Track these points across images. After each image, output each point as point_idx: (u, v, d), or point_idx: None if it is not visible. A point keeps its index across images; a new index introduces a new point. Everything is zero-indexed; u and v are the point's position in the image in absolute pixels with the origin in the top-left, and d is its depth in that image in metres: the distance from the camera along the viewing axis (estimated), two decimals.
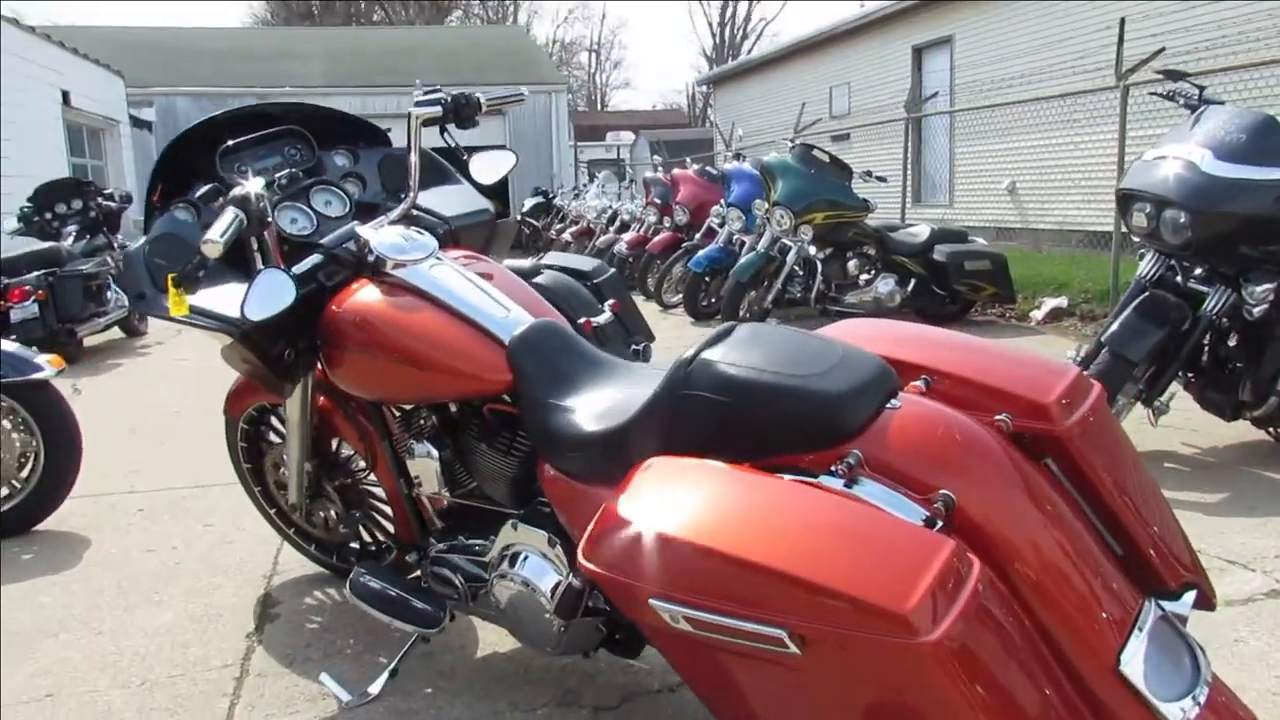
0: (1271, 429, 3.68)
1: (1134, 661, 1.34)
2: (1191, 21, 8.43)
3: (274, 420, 2.62)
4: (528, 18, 39.29)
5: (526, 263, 4.57)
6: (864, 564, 1.21)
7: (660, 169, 11.36)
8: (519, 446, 1.92)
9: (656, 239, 9.35)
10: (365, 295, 2.00)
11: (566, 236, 13.11)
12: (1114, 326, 3.40)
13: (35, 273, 6.58)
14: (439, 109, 2.22)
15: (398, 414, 2.20)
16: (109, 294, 7.16)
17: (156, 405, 5.40)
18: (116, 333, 7.96)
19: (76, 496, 3.49)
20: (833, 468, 1.41)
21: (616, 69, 58.36)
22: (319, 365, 2.13)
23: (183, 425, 4.83)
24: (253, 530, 3.01)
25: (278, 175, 2.20)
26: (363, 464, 2.34)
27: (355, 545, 2.60)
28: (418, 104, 2.22)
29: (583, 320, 4.21)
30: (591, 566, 1.37)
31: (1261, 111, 3.38)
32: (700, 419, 1.51)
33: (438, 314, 1.95)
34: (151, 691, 2.17)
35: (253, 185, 1.93)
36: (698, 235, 8.64)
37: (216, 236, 1.77)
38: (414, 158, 2.23)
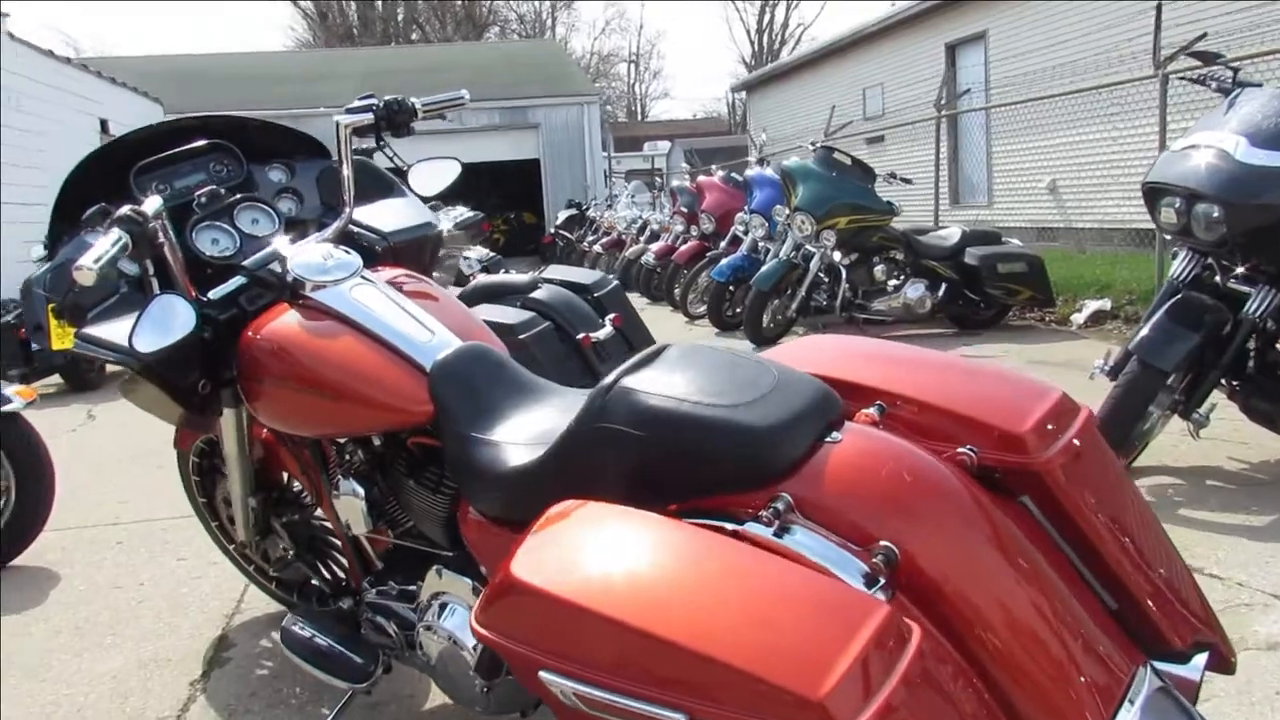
0: None
1: None
2: (1233, 5, 8.04)
3: None
4: (565, 31, 39.42)
5: (525, 277, 4.42)
6: (775, 637, 1.00)
7: (687, 177, 11.17)
8: (447, 484, 1.74)
9: (683, 248, 9.17)
10: (280, 320, 1.84)
11: (597, 248, 13.00)
12: (1144, 332, 3.12)
13: None
14: (370, 116, 2.06)
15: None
16: None
17: (165, 431, 5.31)
18: None
19: (59, 529, 3.40)
20: (761, 513, 1.21)
21: (655, 79, 58.39)
22: None
23: None
24: (224, 565, 2.87)
25: (198, 193, 2.05)
26: (310, 499, 2.19)
27: (315, 583, 2.44)
28: (348, 111, 2.07)
29: (581, 335, 4.05)
30: (483, 631, 1.18)
31: None
32: (616, 456, 1.32)
33: (357, 339, 1.77)
34: None
35: (149, 204, 1.77)
36: (723, 243, 8.44)
37: (89, 262, 1.62)
38: (346, 170, 2.07)
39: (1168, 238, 3.47)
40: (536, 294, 4.25)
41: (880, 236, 6.70)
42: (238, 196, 2.10)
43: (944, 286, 6.57)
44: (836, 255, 6.63)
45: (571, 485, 1.34)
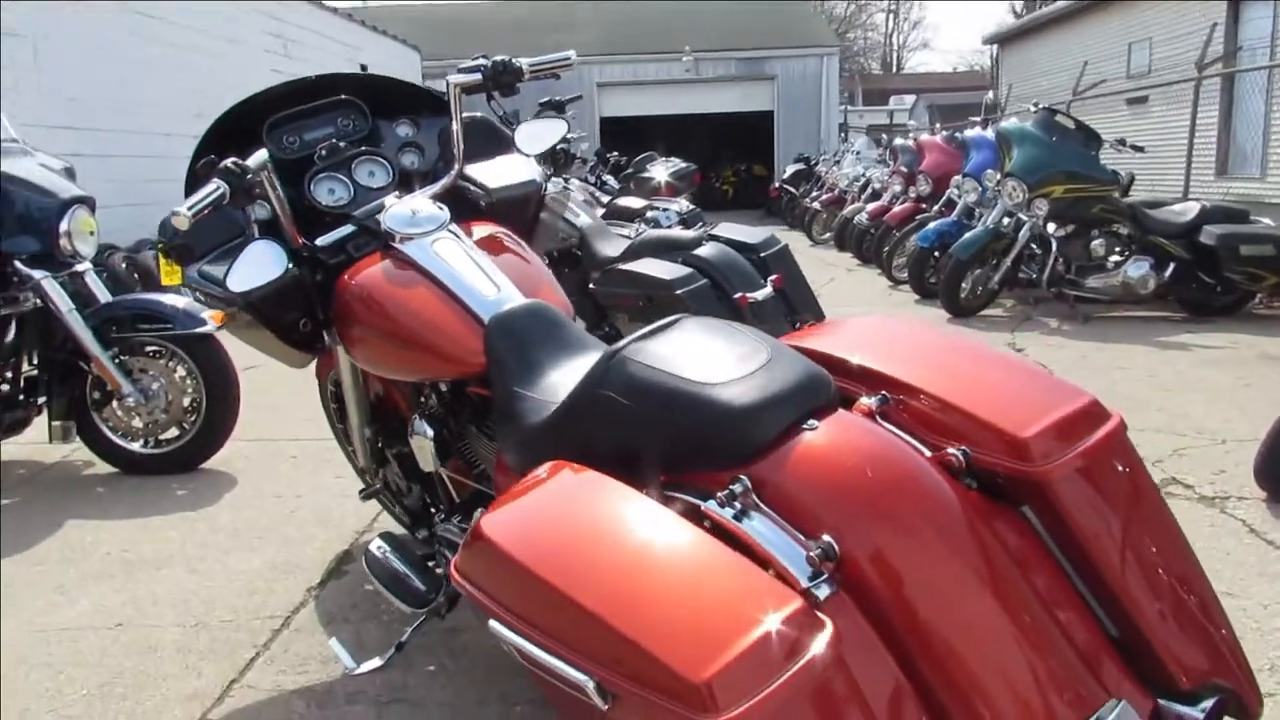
0: None
1: None
2: None
3: None
4: None
5: (690, 233, 4.43)
6: (681, 617, 1.00)
7: (911, 135, 10.68)
8: None
9: (896, 209, 8.83)
10: (368, 268, 1.97)
11: (816, 205, 12.74)
12: None
13: None
14: (479, 76, 2.15)
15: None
16: None
17: None
18: None
19: (254, 439, 3.83)
20: (719, 494, 1.21)
21: (915, 29, 55.57)
22: None
23: None
24: None
25: (319, 147, 2.21)
26: None
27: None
28: (459, 71, 2.16)
29: (739, 295, 4.02)
30: (456, 575, 1.25)
31: None
32: (609, 423, 1.35)
33: (429, 290, 1.88)
34: (198, 633, 2.30)
35: (254, 158, 1.93)
36: (937, 207, 8.05)
37: (184, 209, 1.79)
38: (456, 126, 2.16)
39: None
40: (700, 251, 4.27)
41: (1102, 208, 6.14)
42: (355, 150, 2.25)
43: (1172, 266, 5.95)
44: (1051, 226, 6.16)
45: (572, 447, 1.38)
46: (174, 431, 3.56)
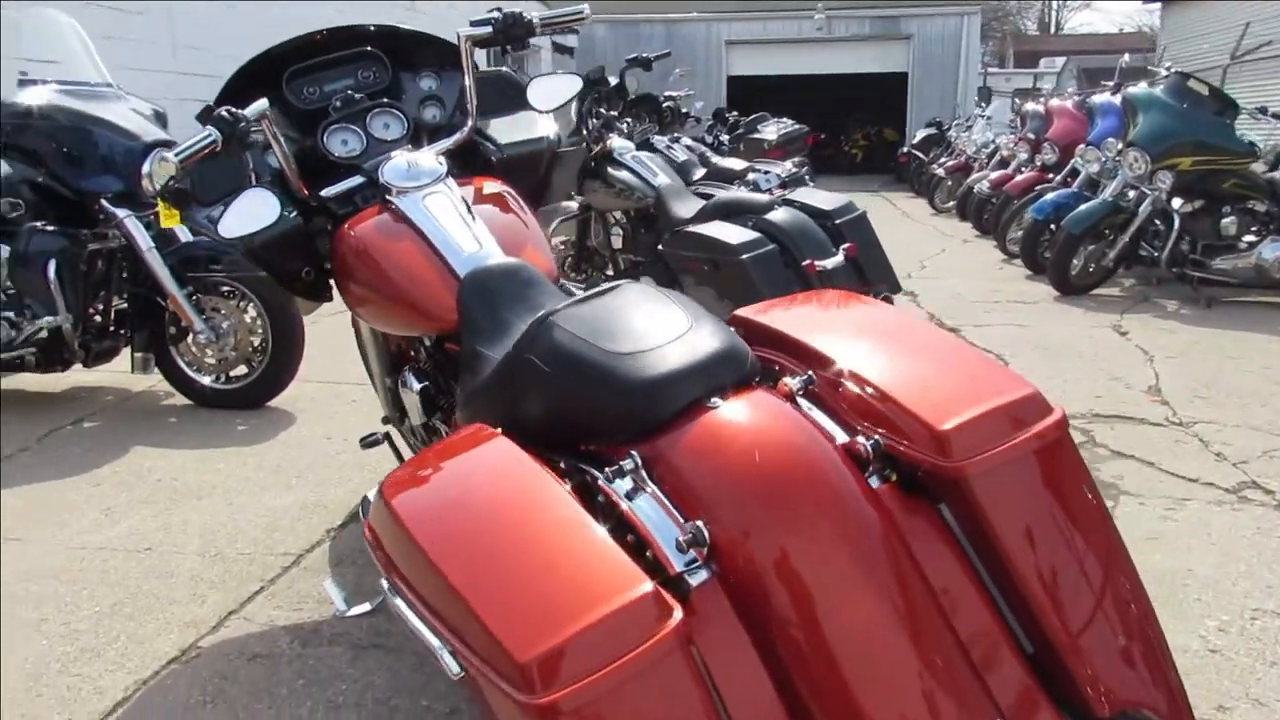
0: None
1: None
2: None
3: None
4: None
5: (763, 197, 4.32)
6: (528, 596, 0.98)
7: (1042, 100, 10.09)
8: None
9: (1018, 178, 8.38)
10: (363, 220, 1.98)
11: (940, 171, 12.23)
12: None
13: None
14: (489, 29, 2.12)
15: None
16: None
17: None
18: None
19: (321, 381, 3.96)
20: (608, 469, 1.17)
21: None
22: None
23: None
24: None
25: (334, 98, 2.22)
26: None
27: None
28: (471, 24, 2.13)
29: (807, 262, 3.90)
30: (367, 533, 1.26)
31: None
32: (530, 389, 1.32)
33: (415, 244, 1.87)
34: (215, 563, 2.41)
35: (252, 108, 1.95)
36: (1059, 176, 7.59)
37: (172, 155, 1.83)
38: (468, 80, 2.14)
39: None
40: (771, 215, 4.15)
41: (1235, 183, 5.64)
42: (370, 102, 2.26)
43: None
44: (1176, 201, 5.71)
45: (502, 411, 1.36)
46: (243, 369, 3.71)
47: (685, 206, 4.56)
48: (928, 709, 1.03)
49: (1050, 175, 8.05)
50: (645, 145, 8.07)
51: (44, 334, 3.50)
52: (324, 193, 2.09)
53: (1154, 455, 3.05)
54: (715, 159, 8.08)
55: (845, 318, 1.43)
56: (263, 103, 2.01)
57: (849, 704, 1.02)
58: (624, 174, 4.82)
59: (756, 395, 1.21)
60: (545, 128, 2.33)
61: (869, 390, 1.21)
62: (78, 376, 4.09)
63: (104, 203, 3.49)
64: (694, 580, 1.07)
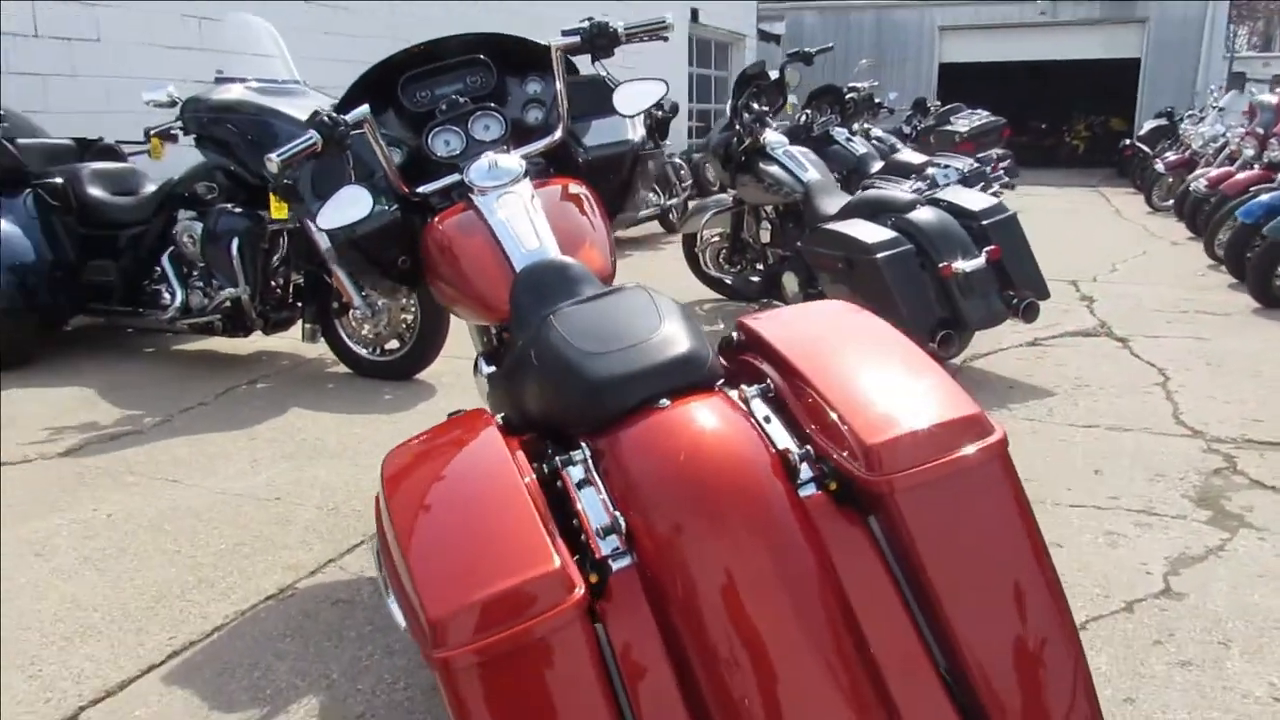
0: None
1: None
2: None
3: None
4: None
5: (906, 195, 4.24)
6: (454, 563, 1.11)
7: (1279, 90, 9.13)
8: None
9: (1238, 176, 7.65)
10: (449, 215, 2.15)
11: (1160, 166, 11.31)
12: None
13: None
14: (577, 39, 2.25)
15: None
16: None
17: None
18: (655, 226, 9.10)
19: (466, 358, 4.26)
20: (559, 459, 1.28)
21: None
22: None
23: None
24: None
25: (440, 103, 2.41)
26: None
27: None
28: (562, 34, 2.27)
29: (943, 264, 3.82)
30: (378, 501, 1.43)
31: None
32: (525, 381, 1.45)
33: (483, 239, 2.03)
34: (329, 516, 2.69)
35: (354, 113, 2.16)
36: None
37: (276, 155, 2.06)
38: (559, 87, 2.28)
39: None
40: (913, 214, 4.08)
41: None
42: (472, 105, 2.44)
43: None
44: None
45: (509, 398, 1.51)
46: (395, 343, 4.05)
47: (831, 203, 4.53)
48: (820, 716, 1.07)
49: (1276, 175, 7.32)
50: (825, 138, 8.03)
51: (228, 303, 3.97)
52: (420, 189, 2.29)
53: None
54: (899, 152, 7.90)
55: (829, 329, 1.45)
56: (364, 108, 2.22)
57: (742, 703, 1.07)
58: (774, 169, 4.84)
59: (707, 399, 1.28)
60: (628, 131, 2.43)
61: (820, 401, 1.25)
62: (264, 342, 4.59)
63: None
64: (615, 565, 1.15)
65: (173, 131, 4.01)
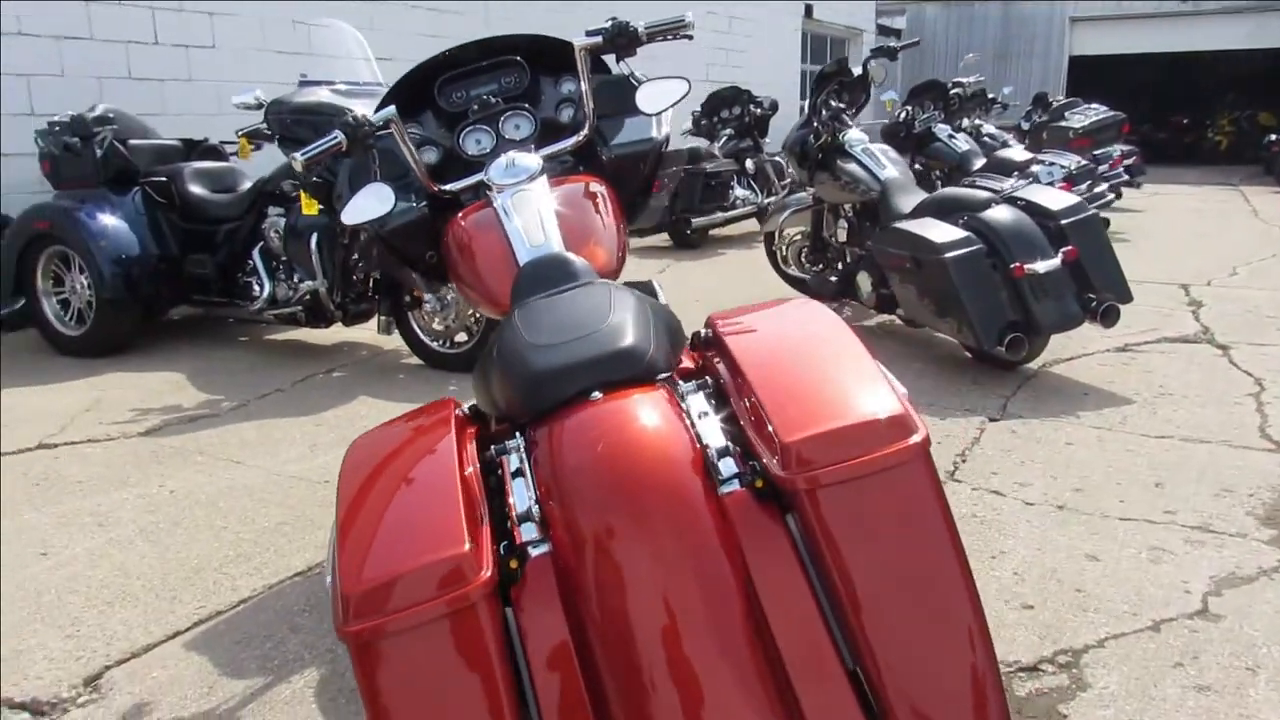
0: None
1: None
2: None
3: None
4: None
5: (982, 194, 4.10)
6: (377, 542, 1.16)
7: None
8: None
9: None
10: (470, 212, 2.21)
11: None
12: None
13: (673, 168, 7.81)
14: (600, 39, 2.27)
15: None
16: (733, 192, 8.12)
17: (695, 286, 6.13)
18: (753, 224, 9.04)
19: None
20: (494, 447, 1.33)
21: None
22: None
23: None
24: None
25: (473, 102, 2.48)
26: None
27: None
28: (586, 34, 2.30)
29: (1015, 265, 3.70)
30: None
31: None
32: (490, 372, 1.49)
33: (494, 235, 2.08)
34: (309, 509, 2.78)
35: (380, 114, 2.23)
36: None
37: (299, 155, 2.15)
38: (584, 87, 2.31)
39: None
40: (986, 213, 3.96)
41: None
42: (504, 105, 2.49)
43: None
44: None
45: (480, 389, 1.55)
46: (463, 336, 4.17)
47: (907, 201, 4.42)
48: (715, 712, 1.07)
49: None
50: (926, 135, 7.83)
51: (308, 296, 4.16)
52: (445, 187, 2.36)
53: None
54: (1007, 150, 7.64)
55: (787, 328, 1.44)
56: (390, 109, 2.30)
57: (641, 696, 1.08)
58: (851, 166, 4.75)
59: (640, 394, 1.28)
60: (655, 130, 2.45)
61: (753, 399, 1.25)
62: (348, 334, 4.79)
63: None
64: (533, 553, 1.18)
65: (262, 132, 4.23)
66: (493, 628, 1.08)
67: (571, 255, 1.97)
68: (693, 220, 7.76)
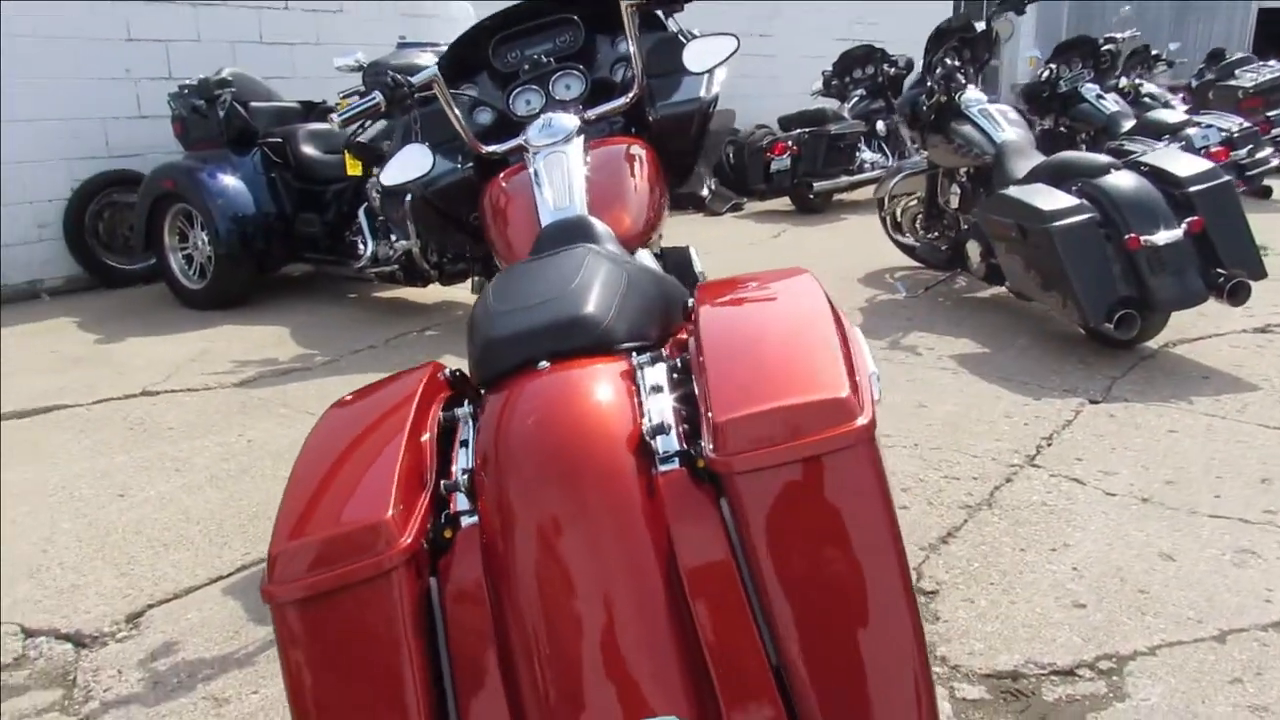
0: None
1: None
2: None
3: None
4: None
5: (1102, 158, 3.79)
6: (311, 500, 1.16)
7: None
8: None
9: None
10: (509, 174, 2.19)
11: None
12: None
13: (798, 130, 7.59)
14: None
15: None
16: (860, 155, 7.83)
17: (809, 251, 5.94)
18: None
19: None
20: (444, 414, 1.30)
21: None
22: None
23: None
24: None
25: (523, 62, 2.44)
26: None
27: None
28: None
29: (1129, 235, 3.42)
30: None
31: None
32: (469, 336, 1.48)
33: (524, 197, 2.06)
34: None
35: (421, 75, 2.23)
36: None
37: (338, 115, 2.17)
38: (632, 48, 2.24)
39: None
40: (1102, 179, 3.66)
41: None
42: (554, 65, 2.45)
43: None
44: None
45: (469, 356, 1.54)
46: None
47: (1022, 165, 4.13)
48: (625, 696, 1.03)
49: None
50: (1073, 95, 7.33)
51: (404, 255, 4.26)
52: (489, 149, 2.34)
53: None
54: (1162, 111, 7.08)
55: (767, 298, 1.36)
56: (431, 70, 2.29)
57: (549, 676, 1.04)
58: (966, 128, 4.47)
59: (588, 365, 1.23)
60: (703, 90, 2.35)
61: (703, 374, 1.18)
62: (448, 293, 4.88)
63: None
64: (465, 522, 1.16)
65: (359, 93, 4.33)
66: (410, 597, 1.05)
67: (593, 219, 1.92)
68: (815, 184, 7.52)
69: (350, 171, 3.36)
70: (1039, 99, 7.40)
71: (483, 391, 1.32)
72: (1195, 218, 3.44)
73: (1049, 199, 3.59)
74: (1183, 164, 3.64)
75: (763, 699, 1.03)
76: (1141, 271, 3.43)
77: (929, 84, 4.64)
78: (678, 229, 7.24)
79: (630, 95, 2.22)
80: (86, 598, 2.12)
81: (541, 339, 1.25)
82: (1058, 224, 3.48)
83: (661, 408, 1.18)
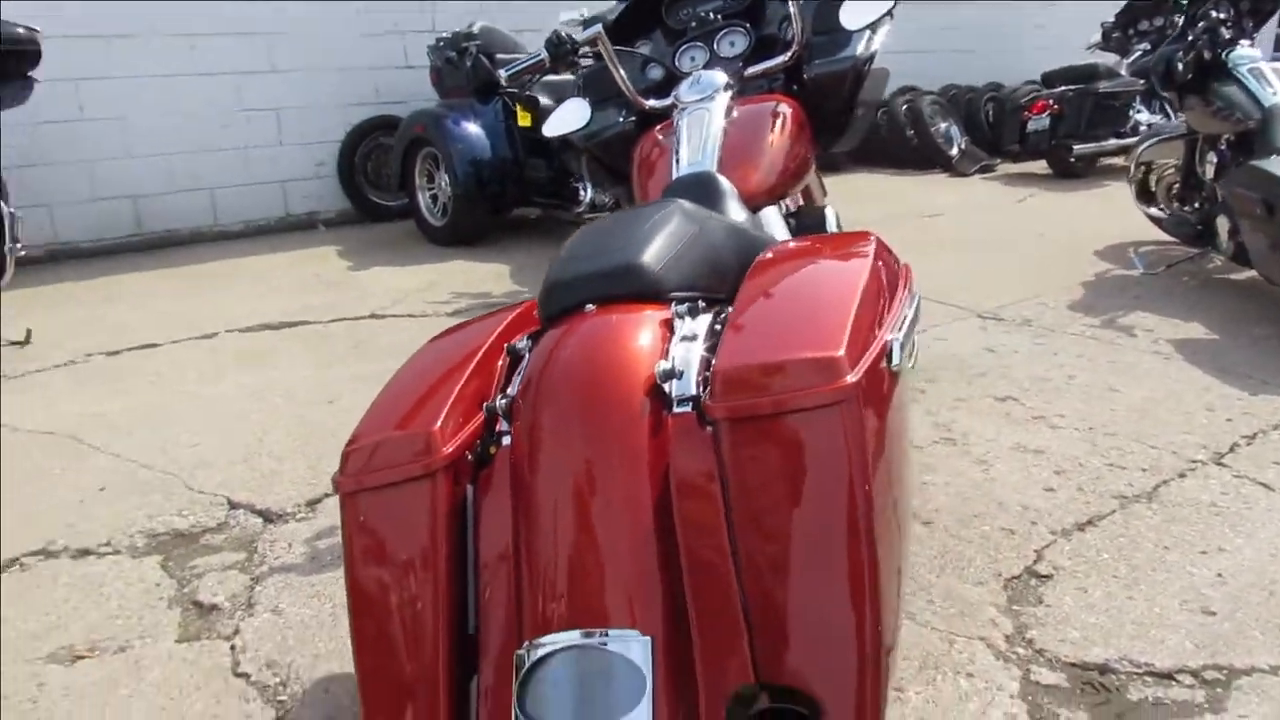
0: None
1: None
2: None
3: None
4: None
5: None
6: (385, 410, 1.35)
7: None
8: None
9: None
10: (663, 129, 2.28)
11: None
12: None
13: (1062, 87, 7.04)
14: None
15: None
16: (1135, 115, 7.14)
17: (1051, 220, 5.55)
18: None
19: None
20: (509, 346, 1.45)
21: None
22: None
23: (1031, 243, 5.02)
24: None
25: (692, 19, 2.50)
26: None
27: None
28: None
29: None
30: None
31: None
32: None
33: (664, 153, 2.15)
34: None
35: (585, 32, 2.34)
36: None
37: (504, 70, 2.32)
38: (793, 6, 2.26)
39: None
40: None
41: None
42: (721, 22, 2.49)
43: None
44: None
45: None
46: None
47: None
48: (593, 605, 1.12)
49: None
50: None
51: (616, 203, 4.45)
52: (649, 104, 2.43)
53: None
54: None
55: (812, 257, 1.39)
56: (596, 28, 2.40)
57: (541, 577, 1.16)
58: (1229, 89, 4.00)
59: (629, 311, 1.31)
60: (860, 47, 2.31)
61: (727, 328, 1.24)
62: None
63: None
64: (503, 443, 1.29)
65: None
66: (446, 500, 1.20)
67: (719, 176, 1.97)
68: (1076, 146, 6.95)
69: (521, 122, 3.57)
70: None
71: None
72: None
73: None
74: None
75: (728, 626, 1.09)
76: None
77: (1189, 37, 4.19)
78: (910, 187, 6.97)
79: (790, 54, 2.23)
80: (281, 483, 2.48)
81: (593, 284, 1.33)
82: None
83: (686, 355, 1.24)
